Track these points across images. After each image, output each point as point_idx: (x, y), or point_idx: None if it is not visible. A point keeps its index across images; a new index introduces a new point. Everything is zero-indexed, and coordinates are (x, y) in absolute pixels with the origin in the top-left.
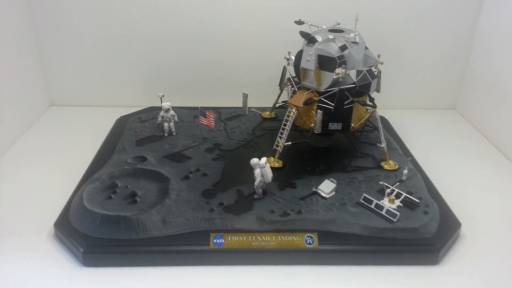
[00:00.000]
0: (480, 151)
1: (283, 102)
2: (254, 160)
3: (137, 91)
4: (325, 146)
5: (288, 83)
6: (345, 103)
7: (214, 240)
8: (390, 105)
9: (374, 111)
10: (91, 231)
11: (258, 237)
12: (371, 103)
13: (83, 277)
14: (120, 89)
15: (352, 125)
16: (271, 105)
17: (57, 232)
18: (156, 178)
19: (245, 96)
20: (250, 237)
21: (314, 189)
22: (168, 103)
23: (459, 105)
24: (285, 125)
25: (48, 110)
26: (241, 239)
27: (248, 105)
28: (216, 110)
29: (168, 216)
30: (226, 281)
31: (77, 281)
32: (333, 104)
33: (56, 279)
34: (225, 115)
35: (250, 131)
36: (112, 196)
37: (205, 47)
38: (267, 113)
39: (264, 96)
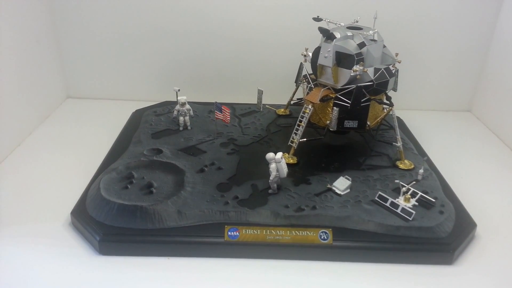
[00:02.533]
0: (496, 154)
1: (298, 99)
2: (270, 155)
3: (153, 85)
4: (340, 144)
5: (304, 80)
6: (362, 100)
7: (229, 233)
8: (405, 105)
9: (391, 109)
10: (108, 220)
11: (272, 231)
12: (388, 102)
13: (98, 265)
14: (136, 83)
15: (368, 123)
16: (285, 103)
17: (73, 220)
18: (172, 170)
19: (260, 93)
20: (264, 230)
21: (328, 186)
22: (184, 97)
23: (475, 108)
24: (300, 121)
25: (65, 102)
26: (256, 232)
27: (263, 102)
28: (231, 106)
29: (183, 208)
30: (240, 273)
31: (92, 269)
32: (349, 102)
33: (72, 266)
34: (239, 111)
35: (265, 127)
36: (129, 187)
37: (221, 43)
38: (282, 110)
39: (278, 94)
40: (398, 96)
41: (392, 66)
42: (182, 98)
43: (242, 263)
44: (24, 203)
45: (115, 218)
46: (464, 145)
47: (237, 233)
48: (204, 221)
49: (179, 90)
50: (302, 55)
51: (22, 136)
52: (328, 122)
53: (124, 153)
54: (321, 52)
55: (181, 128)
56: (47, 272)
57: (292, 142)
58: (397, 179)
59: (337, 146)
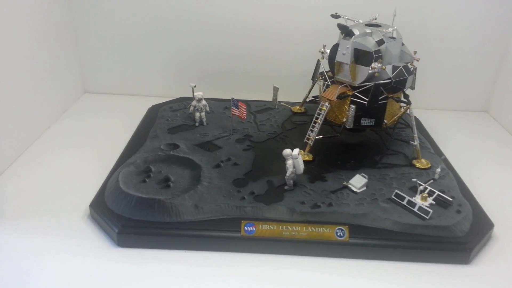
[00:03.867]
0: None
1: (313, 97)
2: (287, 151)
3: (169, 81)
4: (356, 142)
5: (321, 77)
6: (379, 98)
7: (245, 228)
8: (421, 105)
9: (409, 107)
10: (126, 212)
11: (289, 227)
12: (405, 100)
13: (117, 257)
14: (153, 79)
15: (385, 121)
16: (300, 100)
17: (92, 212)
18: (188, 165)
19: (276, 90)
20: (281, 226)
21: (345, 183)
22: (201, 93)
23: (492, 108)
24: (317, 118)
25: (82, 97)
26: (272, 228)
27: (278, 99)
28: (246, 102)
29: (200, 202)
30: (256, 268)
31: (111, 261)
32: (367, 99)
33: (91, 258)
34: (254, 108)
35: (280, 124)
36: (147, 180)
37: (238, 40)
38: (297, 107)
39: (294, 91)
40: (414, 95)
41: (411, 64)
42: (198, 94)
43: (258, 258)
44: (43, 196)
45: (133, 211)
46: (480, 146)
47: (254, 228)
48: (221, 215)
49: (195, 86)
50: (319, 52)
51: (41, 130)
52: (344, 119)
53: (141, 148)
54: (339, 49)
55: (197, 124)
56: (66, 263)
57: (308, 139)
58: (414, 178)
59: (353, 145)
